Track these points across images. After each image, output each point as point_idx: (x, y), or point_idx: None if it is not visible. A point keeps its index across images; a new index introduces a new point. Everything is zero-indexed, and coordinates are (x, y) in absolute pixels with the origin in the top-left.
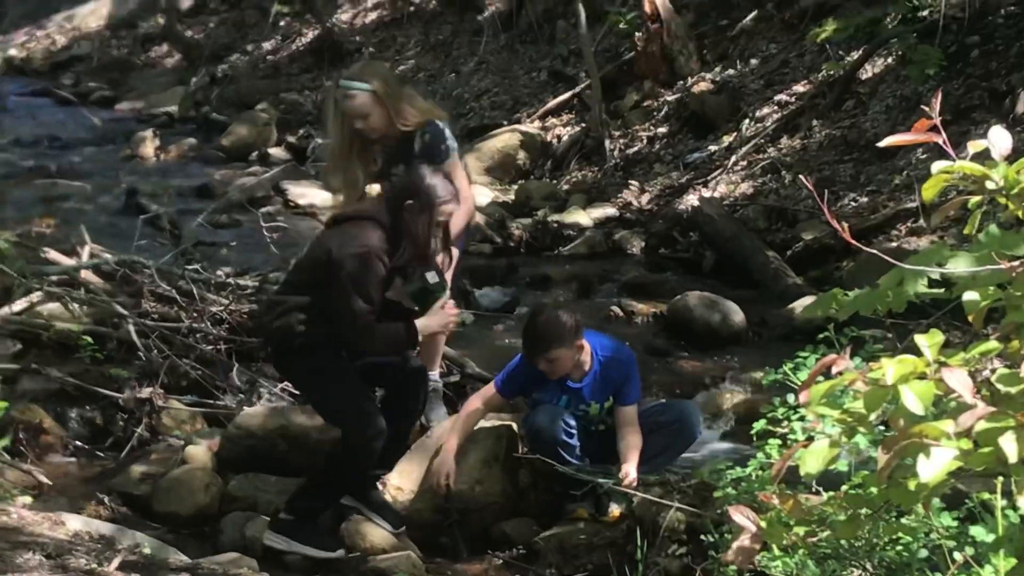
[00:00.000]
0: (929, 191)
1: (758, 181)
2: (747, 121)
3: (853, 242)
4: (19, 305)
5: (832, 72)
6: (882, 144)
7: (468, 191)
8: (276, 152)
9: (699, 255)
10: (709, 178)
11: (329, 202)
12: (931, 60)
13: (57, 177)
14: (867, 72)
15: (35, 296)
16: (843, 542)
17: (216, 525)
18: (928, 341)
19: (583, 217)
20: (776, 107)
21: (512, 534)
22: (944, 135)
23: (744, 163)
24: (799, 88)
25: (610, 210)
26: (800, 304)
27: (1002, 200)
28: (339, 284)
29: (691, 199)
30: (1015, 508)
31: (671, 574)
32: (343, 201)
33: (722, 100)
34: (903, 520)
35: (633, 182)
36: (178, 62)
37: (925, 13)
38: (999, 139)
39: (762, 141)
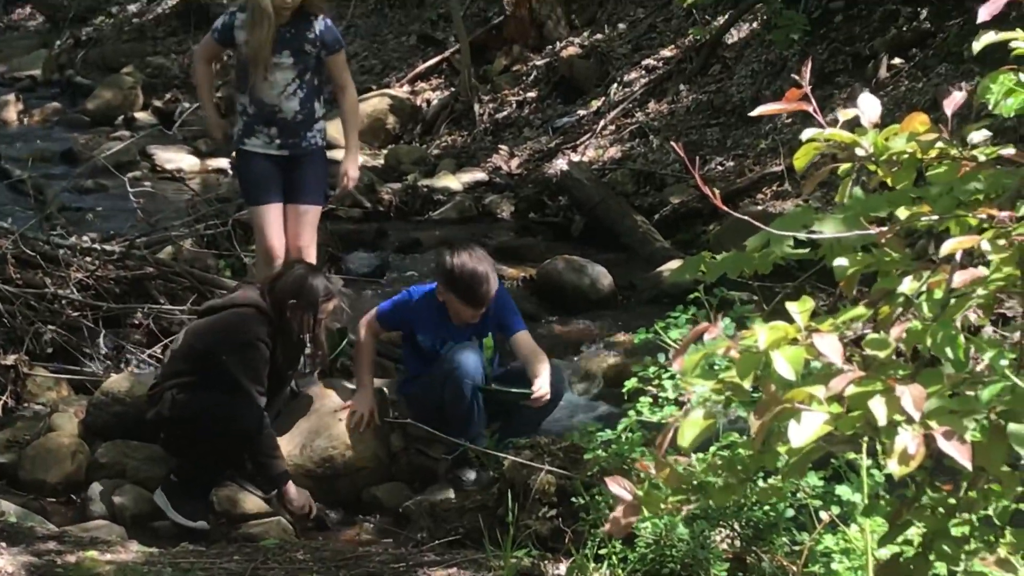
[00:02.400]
0: (800, 160)
1: (626, 145)
2: (615, 86)
3: (723, 207)
4: None
5: (699, 37)
6: (753, 113)
7: (351, 83)
8: (142, 116)
9: (568, 219)
10: (578, 143)
11: (197, 166)
12: (796, 25)
13: None
14: (733, 37)
15: None
16: (711, 503)
17: (84, 493)
18: (799, 308)
19: (453, 182)
20: (644, 72)
21: (384, 498)
22: (814, 103)
23: (612, 128)
24: (666, 53)
25: (480, 175)
26: (668, 267)
27: (871, 167)
28: (231, 377)
29: (560, 163)
30: (880, 468)
31: (541, 536)
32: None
33: (590, 65)
34: (771, 480)
35: (503, 147)
36: (41, 24)
37: None
38: (868, 106)
39: (630, 106)
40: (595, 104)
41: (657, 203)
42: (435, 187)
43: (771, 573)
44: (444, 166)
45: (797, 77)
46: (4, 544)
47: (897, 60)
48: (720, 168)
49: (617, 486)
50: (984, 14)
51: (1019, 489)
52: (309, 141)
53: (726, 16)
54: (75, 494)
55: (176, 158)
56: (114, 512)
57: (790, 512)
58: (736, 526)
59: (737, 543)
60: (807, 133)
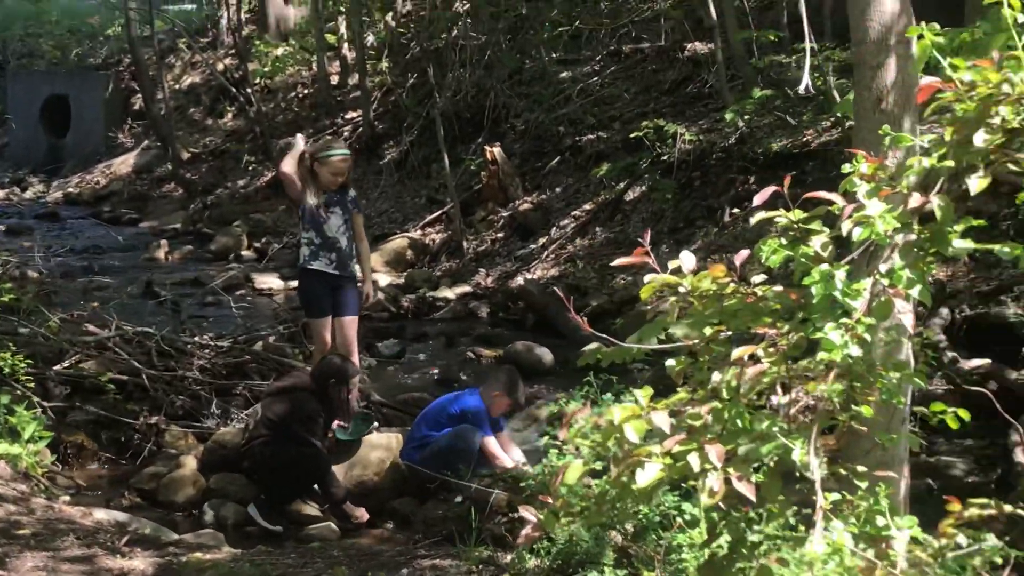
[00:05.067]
0: (645, 293)
1: (562, 267)
2: (554, 228)
3: (589, 329)
4: (67, 362)
5: (607, 196)
6: (613, 264)
7: (364, 234)
8: (247, 254)
9: (524, 317)
10: (530, 266)
11: (281, 286)
12: (668, 189)
13: (98, 275)
14: (630, 196)
15: (77, 357)
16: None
17: (200, 509)
18: (643, 394)
19: (449, 293)
20: (573, 219)
21: (399, 509)
22: (653, 259)
23: (553, 256)
24: (587, 206)
25: (467, 288)
26: (588, 348)
27: (691, 299)
28: (300, 437)
29: (519, 279)
30: None
31: (496, 536)
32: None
33: (538, 215)
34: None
35: (482, 269)
36: (181, 194)
37: (665, 157)
38: (687, 260)
39: (564, 241)
40: (541, 240)
41: (582, 305)
42: (437, 297)
43: (643, 558)
44: (443, 283)
45: (641, 240)
46: (139, 548)
47: (736, 210)
48: (622, 281)
49: (526, 511)
50: (757, 200)
51: (788, 513)
52: (351, 269)
53: (625, 183)
54: (194, 510)
55: (268, 281)
56: (219, 521)
57: (657, 518)
58: (624, 527)
59: (621, 540)
60: (648, 277)
